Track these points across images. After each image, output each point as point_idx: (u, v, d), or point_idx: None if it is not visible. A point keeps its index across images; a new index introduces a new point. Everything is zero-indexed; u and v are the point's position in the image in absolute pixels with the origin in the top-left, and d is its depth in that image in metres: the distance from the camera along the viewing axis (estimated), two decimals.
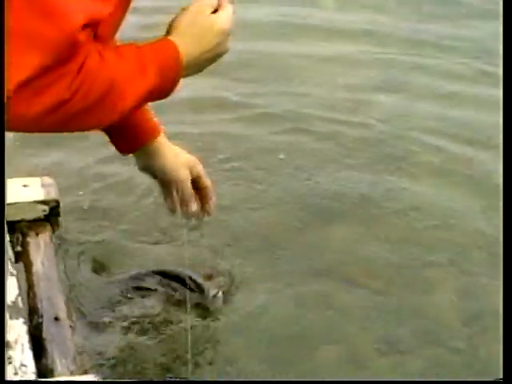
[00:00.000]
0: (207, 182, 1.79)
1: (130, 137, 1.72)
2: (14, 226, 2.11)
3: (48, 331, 1.78)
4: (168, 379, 1.85)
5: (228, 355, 1.95)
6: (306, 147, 2.96)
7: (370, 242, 2.43)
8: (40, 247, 2.08)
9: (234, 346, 1.98)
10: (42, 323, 1.80)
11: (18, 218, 2.13)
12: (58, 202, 2.21)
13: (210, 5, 1.31)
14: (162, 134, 1.73)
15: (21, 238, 2.11)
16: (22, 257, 2.05)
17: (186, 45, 1.27)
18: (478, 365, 1.96)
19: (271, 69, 3.58)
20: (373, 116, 3.24)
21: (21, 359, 1.56)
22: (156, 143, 1.72)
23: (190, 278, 2.04)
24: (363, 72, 3.67)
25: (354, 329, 2.05)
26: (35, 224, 2.16)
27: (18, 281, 1.79)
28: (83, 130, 1.27)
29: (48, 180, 2.27)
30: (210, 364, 1.92)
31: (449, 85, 3.54)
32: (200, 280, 2.10)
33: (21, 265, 2.01)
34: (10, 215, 2.08)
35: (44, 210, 2.19)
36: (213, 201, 1.79)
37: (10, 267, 1.74)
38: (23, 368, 1.55)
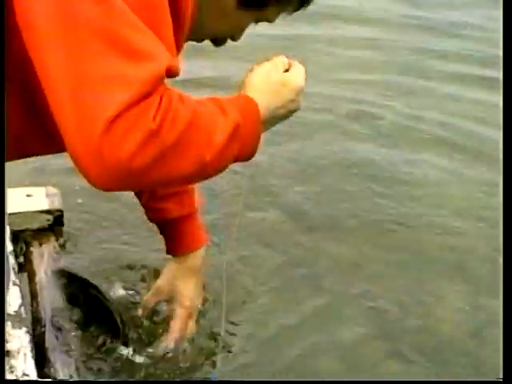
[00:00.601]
0: (177, 320, 1.87)
1: (181, 243, 1.87)
2: (17, 236, 2.12)
3: (51, 341, 1.79)
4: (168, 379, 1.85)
5: (235, 362, 1.96)
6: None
7: (373, 253, 2.43)
8: (43, 257, 2.09)
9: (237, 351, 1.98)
10: (44, 333, 1.81)
11: (21, 227, 2.14)
12: (61, 212, 2.22)
13: (282, 63, 1.32)
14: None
15: (24, 248, 2.12)
16: (25, 266, 2.05)
17: (261, 100, 1.25)
18: (482, 377, 1.95)
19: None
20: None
21: (23, 368, 1.56)
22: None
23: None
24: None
25: (358, 341, 2.05)
26: (39, 233, 2.18)
27: (21, 290, 1.79)
28: (178, 179, 1.17)
29: (52, 190, 2.28)
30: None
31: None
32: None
33: (24, 274, 2.02)
34: (14, 225, 2.09)
35: (48, 220, 2.20)
36: (172, 337, 1.86)
37: (13, 277, 1.75)
38: (25, 377, 1.54)
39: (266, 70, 1.31)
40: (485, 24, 4.76)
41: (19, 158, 1.40)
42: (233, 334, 2.01)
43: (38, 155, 1.41)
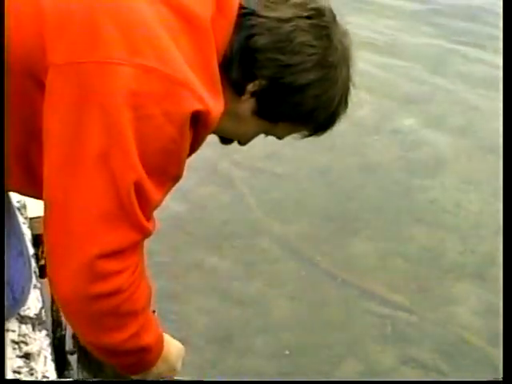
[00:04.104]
0: None
1: None
2: (39, 240, 2.12)
3: (71, 344, 1.80)
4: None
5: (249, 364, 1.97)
6: None
7: (392, 254, 2.42)
8: None
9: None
10: (65, 336, 1.82)
11: (42, 231, 2.15)
12: None
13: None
14: None
15: None
16: (46, 270, 2.06)
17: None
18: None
19: None
20: None
21: (43, 371, 1.56)
22: None
23: None
24: None
25: (375, 344, 2.05)
26: None
27: (41, 293, 1.80)
28: (110, 346, 1.27)
29: None
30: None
31: None
32: None
33: (45, 278, 2.02)
34: (35, 229, 2.10)
35: None
36: None
37: (34, 280, 1.75)
38: (45, 380, 1.55)
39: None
40: None
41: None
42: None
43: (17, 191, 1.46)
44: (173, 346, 1.45)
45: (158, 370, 1.42)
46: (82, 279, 1.13)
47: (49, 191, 1.15)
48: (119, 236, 1.12)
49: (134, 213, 1.12)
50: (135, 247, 1.16)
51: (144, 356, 1.35)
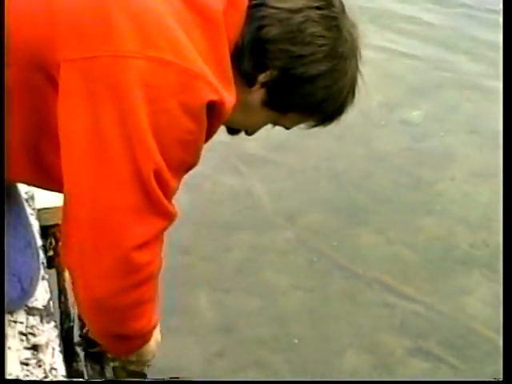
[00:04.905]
0: None
1: None
2: (47, 231, 2.13)
3: (78, 335, 1.80)
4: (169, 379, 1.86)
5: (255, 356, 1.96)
6: None
7: (401, 245, 2.41)
8: None
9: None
10: (73, 327, 1.82)
11: (51, 222, 2.16)
12: None
13: None
14: None
15: (54, 243, 2.13)
16: (54, 261, 2.07)
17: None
18: None
19: None
20: None
21: (51, 363, 1.56)
22: None
23: None
24: None
25: (384, 335, 2.04)
26: None
27: (49, 285, 1.80)
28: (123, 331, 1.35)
29: None
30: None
31: None
32: None
33: (53, 269, 2.03)
34: (44, 220, 2.11)
35: None
36: None
37: (42, 271, 1.76)
38: (53, 371, 1.55)
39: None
40: None
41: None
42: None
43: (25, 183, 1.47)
44: None
45: (154, 339, 1.53)
46: (118, 274, 1.18)
47: (73, 189, 1.15)
48: (149, 226, 1.16)
49: (159, 201, 1.16)
50: (161, 234, 1.22)
51: (149, 335, 1.44)
